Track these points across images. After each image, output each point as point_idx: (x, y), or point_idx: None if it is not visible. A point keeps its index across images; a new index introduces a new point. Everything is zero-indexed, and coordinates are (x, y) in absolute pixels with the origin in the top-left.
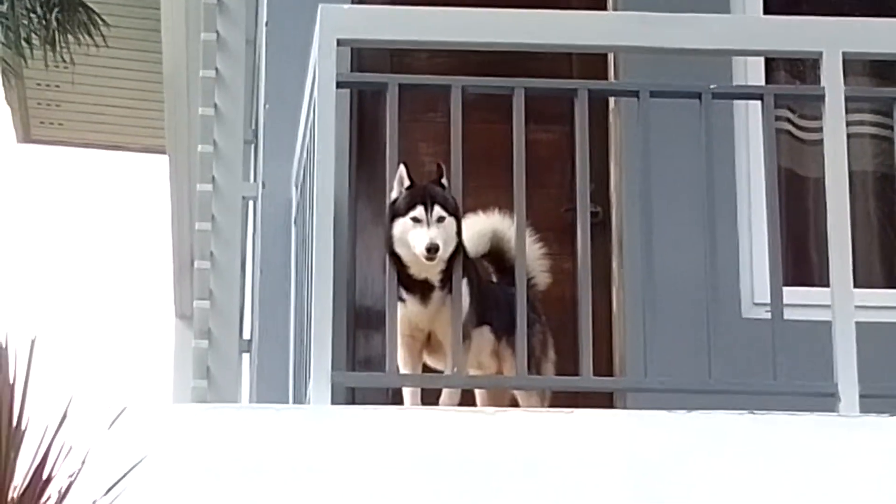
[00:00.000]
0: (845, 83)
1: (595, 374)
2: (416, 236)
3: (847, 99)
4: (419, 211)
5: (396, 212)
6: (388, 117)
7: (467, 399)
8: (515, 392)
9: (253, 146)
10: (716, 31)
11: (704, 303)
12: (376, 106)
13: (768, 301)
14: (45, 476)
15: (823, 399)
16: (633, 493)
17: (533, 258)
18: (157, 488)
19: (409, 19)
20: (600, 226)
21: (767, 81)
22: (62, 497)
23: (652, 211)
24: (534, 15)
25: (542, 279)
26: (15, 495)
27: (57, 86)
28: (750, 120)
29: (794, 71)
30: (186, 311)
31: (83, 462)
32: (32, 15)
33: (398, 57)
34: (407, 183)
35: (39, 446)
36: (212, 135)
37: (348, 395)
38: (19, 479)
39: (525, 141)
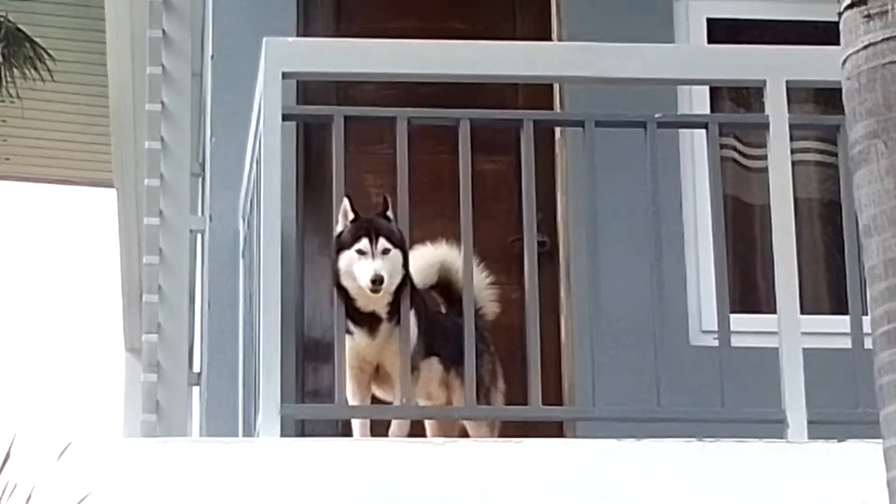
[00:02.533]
0: (789, 111)
1: (544, 403)
2: (361, 268)
3: (791, 126)
4: (364, 243)
5: (342, 245)
6: (334, 149)
7: (417, 430)
8: (465, 422)
9: (200, 179)
10: (660, 61)
11: (652, 331)
12: (322, 138)
13: (716, 328)
14: None
15: (772, 426)
16: None
17: (481, 288)
18: None
19: (354, 51)
20: (548, 255)
21: (712, 110)
22: None
23: (598, 240)
24: (478, 46)
25: (491, 309)
26: None
27: (3, 120)
28: (695, 148)
29: (738, 99)
30: (136, 344)
31: (28, 498)
32: None
33: (344, 89)
34: (351, 216)
35: None
36: (159, 168)
37: (298, 428)
38: None
39: (472, 171)
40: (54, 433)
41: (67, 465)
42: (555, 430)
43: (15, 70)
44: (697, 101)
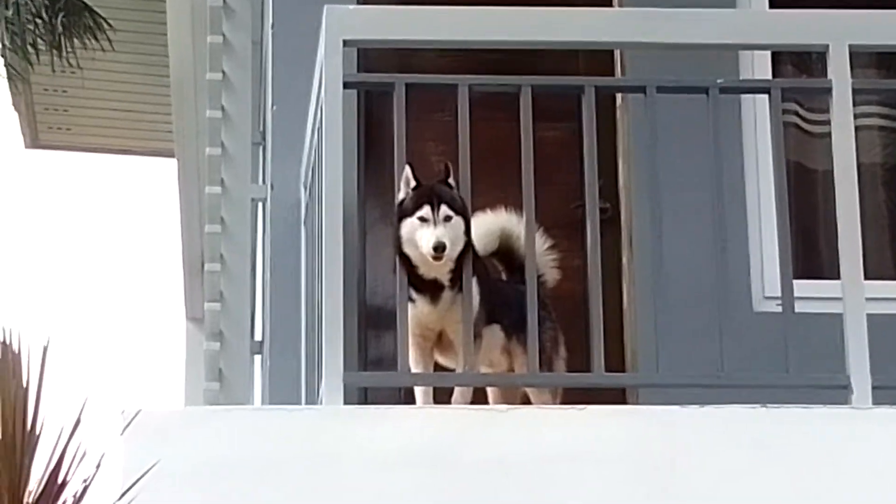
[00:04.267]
0: (852, 76)
1: (607, 370)
2: (423, 236)
3: (854, 91)
4: (426, 210)
5: (404, 212)
6: (395, 117)
7: (479, 397)
8: (527, 389)
9: (261, 148)
10: (722, 26)
11: (715, 297)
12: (383, 106)
13: (779, 295)
14: (59, 480)
15: (836, 391)
16: (646, 488)
17: (541, 254)
18: (171, 491)
19: (415, 19)
20: (609, 222)
21: (774, 75)
22: (77, 501)
23: (661, 206)
24: (540, 13)
25: (551, 275)
26: (30, 500)
27: (64, 91)
28: (757, 113)
29: (800, 64)
30: (197, 313)
31: (98, 466)
32: (38, 20)
33: (405, 56)
34: (413, 183)
35: (54, 451)
36: (219, 137)
37: (360, 395)
38: (34, 483)
39: (533, 138)
40: (118, 402)
41: (134, 434)
42: (617, 396)
43: (75, 40)
44: (759, 67)
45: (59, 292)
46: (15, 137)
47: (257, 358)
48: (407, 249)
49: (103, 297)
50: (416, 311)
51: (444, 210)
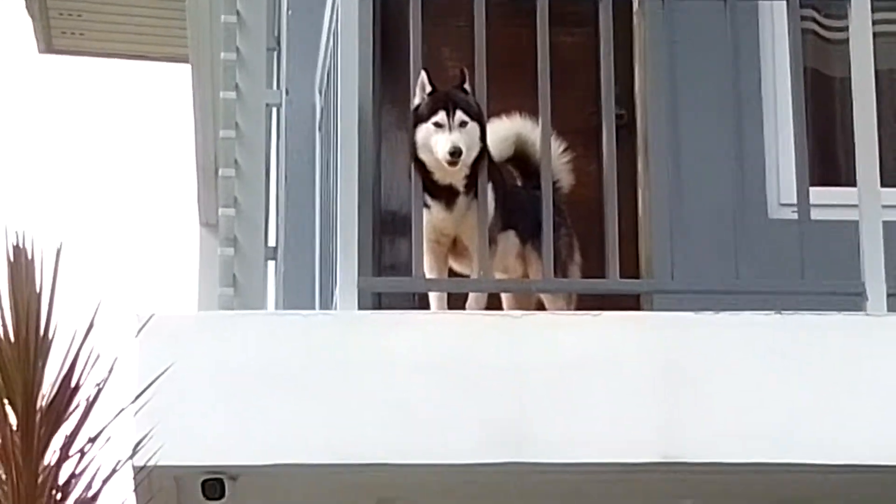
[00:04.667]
0: None
1: (622, 276)
2: (438, 141)
3: None
4: (441, 116)
5: (419, 118)
6: (411, 22)
7: (494, 303)
8: (542, 295)
9: (276, 53)
10: None
11: (731, 204)
12: (399, 11)
13: (795, 201)
14: (72, 384)
15: (851, 298)
16: (661, 394)
17: (557, 161)
18: (185, 395)
19: None
20: (625, 128)
21: None
22: (90, 405)
23: (677, 113)
24: None
25: (567, 182)
26: (43, 404)
27: None
28: (775, 20)
29: None
30: (211, 219)
31: (111, 370)
32: None
33: None
34: (429, 89)
35: (67, 355)
36: (234, 42)
37: (375, 301)
38: (47, 387)
39: (549, 45)
40: (132, 306)
41: (147, 338)
42: (632, 303)
43: None
44: None
45: (73, 198)
46: (29, 43)
47: (271, 263)
48: (422, 155)
49: (117, 202)
50: (431, 217)
51: (460, 115)
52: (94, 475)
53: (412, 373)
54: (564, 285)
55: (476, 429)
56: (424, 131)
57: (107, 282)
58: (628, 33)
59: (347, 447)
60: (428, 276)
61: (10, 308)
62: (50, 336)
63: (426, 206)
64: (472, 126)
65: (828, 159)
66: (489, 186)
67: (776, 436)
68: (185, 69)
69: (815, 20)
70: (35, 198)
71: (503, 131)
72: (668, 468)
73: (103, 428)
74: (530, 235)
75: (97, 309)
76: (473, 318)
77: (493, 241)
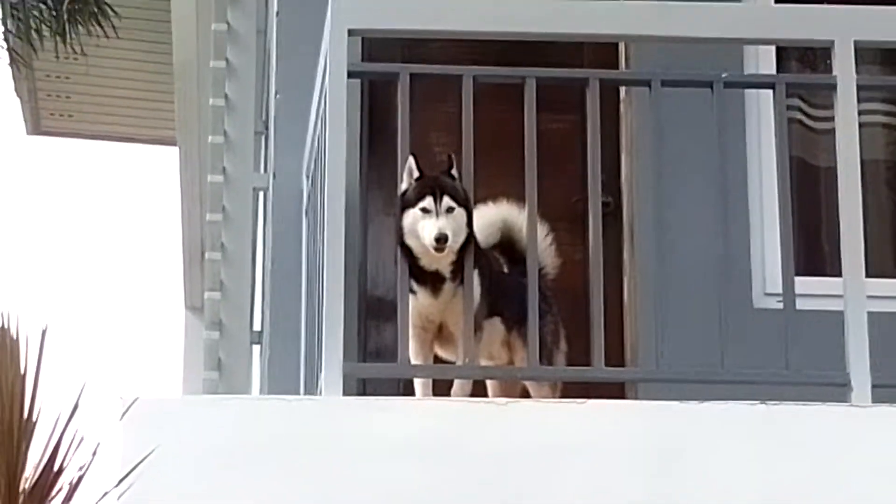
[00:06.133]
0: (857, 72)
1: (607, 364)
2: (425, 227)
3: (859, 88)
4: (428, 201)
5: (406, 203)
6: (399, 107)
7: (479, 390)
8: (527, 383)
9: (264, 137)
10: (727, 20)
11: (716, 293)
12: (388, 95)
13: (780, 291)
14: (56, 467)
15: (836, 389)
16: (646, 483)
17: (543, 248)
18: (169, 479)
19: (421, 9)
20: (612, 216)
21: (779, 70)
22: (73, 488)
23: (664, 201)
24: (545, 3)
25: (553, 268)
26: (26, 486)
27: (67, 77)
28: (762, 109)
29: (805, 60)
30: (197, 302)
31: (94, 453)
32: (43, 5)
33: (409, 46)
34: (416, 174)
35: (51, 437)
36: (223, 125)
37: (360, 387)
38: (30, 470)
39: (536, 130)
40: (117, 389)
41: (131, 421)
42: (617, 391)
43: (79, 27)
44: (764, 62)
45: (59, 279)
46: (17, 124)
47: (256, 348)
48: (409, 240)
49: (103, 284)
50: (417, 303)
51: (447, 201)
52: None
53: (397, 458)
54: (550, 373)
55: None
56: (411, 217)
57: (92, 364)
58: (615, 120)
59: None
60: (413, 361)
61: None
62: (34, 418)
63: (412, 291)
64: (459, 212)
65: (813, 249)
66: (475, 273)
67: None
68: (172, 151)
69: (801, 110)
70: (21, 279)
71: (489, 217)
72: None
73: None
74: (516, 322)
75: (82, 391)
76: (459, 405)
77: (478, 328)
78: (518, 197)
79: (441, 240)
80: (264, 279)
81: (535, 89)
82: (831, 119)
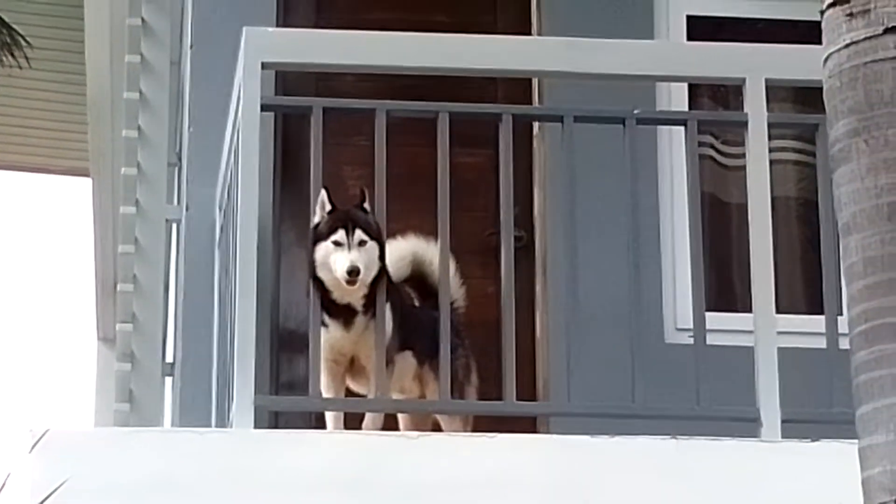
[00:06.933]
0: (768, 109)
1: (518, 398)
2: (337, 260)
3: (770, 125)
4: (340, 234)
5: (318, 236)
6: (312, 140)
7: (390, 423)
8: (438, 416)
9: (177, 168)
10: (639, 57)
11: (628, 328)
12: (301, 128)
13: (691, 326)
14: None
15: (746, 424)
16: None
17: (454, 282)
18: None
19: (334, 43)
20: (524, 250)
21: (691, 107)
22: None
23: (576, 235)
24: (459, 39)
25: (464, 302)
26: None
27: None
28: (673, 145)
29: (717, 97)
30: (109, 334)
31: (3, 485)
32: None
33: (323, 80)
34: (328, 207)
35: None
36: (136, 157)
37: (271, 419)
38: None
39: (450, 164)
40: (26, 422)
41: (42, 453)
42: (528, 425)
43: None
44: (676, 99)
45: None
46: None
47: (168, 380)
48: (321, 273)
49: (13, 315)
50: (329, 336)
51: (359, 234)
52: None
53: (308, 492)
54: (461, 406)
55: None
56: (324, 249)
57: (2, 396)
58: (528, 155)
59: None
60: (325, 395)
61: None
62: None
63: (324, 324)
64: (372, 245)
65: (724, 284)
66: (387, 306)
67: None
68: (86, 183)
69: (712, 146)
70: None
71: (399, 251)
72: None
73: None
74: (428, 356)
75: None
76: (370, 438)
77: (390, 362)
78: (431, 230)
79: (353, 273)
80: (177, 311)
81: (448, 123)
82: (743, 156)
